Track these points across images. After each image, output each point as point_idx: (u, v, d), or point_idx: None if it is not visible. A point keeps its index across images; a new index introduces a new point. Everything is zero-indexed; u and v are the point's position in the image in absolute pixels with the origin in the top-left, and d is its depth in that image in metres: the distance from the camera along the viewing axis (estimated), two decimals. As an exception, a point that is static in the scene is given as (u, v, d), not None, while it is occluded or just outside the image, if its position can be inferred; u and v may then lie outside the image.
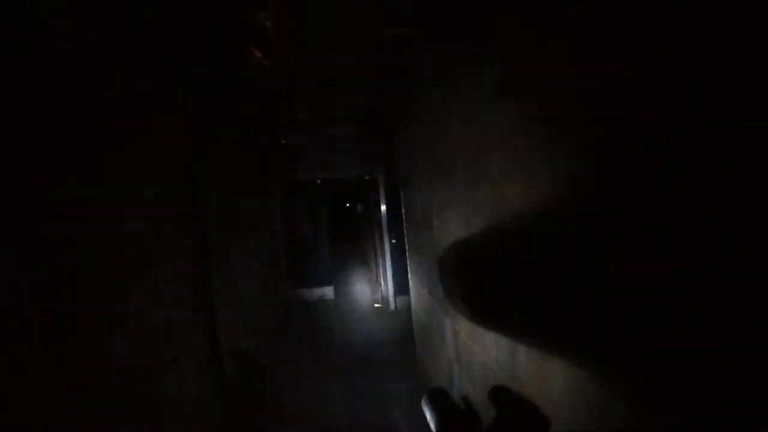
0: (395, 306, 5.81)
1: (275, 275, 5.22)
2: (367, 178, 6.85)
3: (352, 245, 10.20)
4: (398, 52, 2.74)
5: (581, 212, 1.09)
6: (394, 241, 5.81)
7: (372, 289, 7.16)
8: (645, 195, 0.88)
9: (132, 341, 1.41)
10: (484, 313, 1.82)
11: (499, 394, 0.62)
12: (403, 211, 3.90)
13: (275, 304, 4.85)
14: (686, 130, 0.74)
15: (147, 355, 1.51)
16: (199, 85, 2.27)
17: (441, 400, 0.67)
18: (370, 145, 5.37)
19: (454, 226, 2.19)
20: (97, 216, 1.29)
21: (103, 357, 1.24)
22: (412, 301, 3.76)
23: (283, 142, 5.14)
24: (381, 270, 6.24)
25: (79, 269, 1.17)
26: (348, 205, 10.19)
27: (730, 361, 0.71)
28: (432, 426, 0.65)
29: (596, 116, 1.00)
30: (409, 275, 3.76)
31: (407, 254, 3.80)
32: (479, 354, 1.91)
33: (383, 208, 5.90)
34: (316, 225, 6.74)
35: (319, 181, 6.83)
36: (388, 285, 5.83)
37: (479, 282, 1.82)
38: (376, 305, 6.25)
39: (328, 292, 7.12)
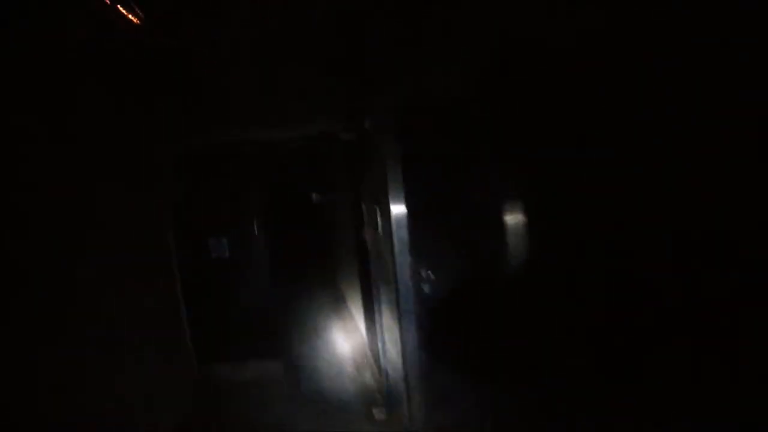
0: (409, 412, 3.47)
1: (167, 343, 3.68)
2: (346, 138, 3.02)
3: (316, 275, 5.77)
4: None
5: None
6: (430, 280, 2.81)
7: (363, 367, 5.02)
8: (645, 195, 0.97)
9: None
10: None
11: None
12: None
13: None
14: (686, 130, 0.80)
15: None
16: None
17: None
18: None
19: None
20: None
21: None
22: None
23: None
24: (382, 333, 3.80)
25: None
26: (306, 195, 5.71)
27: (730, 361, 0.82)
28: None
29: (595, 116, 1.13)
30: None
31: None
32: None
33: (396, 207, 3.08)
34: (245, 236, 2.62)
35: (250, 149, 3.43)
36: (396, 366, 3.58)
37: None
38: (375, 410, 3.82)
39: (273, 369, 5.00)
